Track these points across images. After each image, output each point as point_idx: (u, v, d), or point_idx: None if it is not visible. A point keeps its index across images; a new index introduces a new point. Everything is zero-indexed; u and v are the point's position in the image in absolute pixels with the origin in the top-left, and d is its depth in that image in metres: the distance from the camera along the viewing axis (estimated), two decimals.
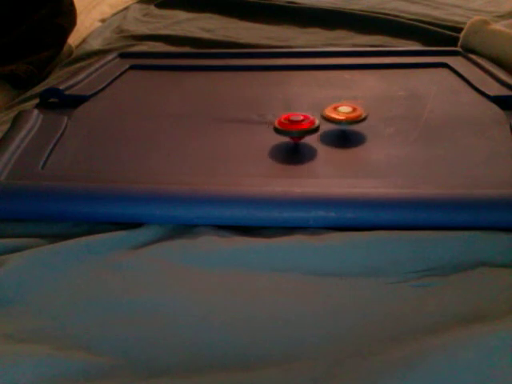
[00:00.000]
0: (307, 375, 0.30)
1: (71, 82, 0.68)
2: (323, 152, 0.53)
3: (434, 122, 0.58)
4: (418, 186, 0.45)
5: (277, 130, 0.52)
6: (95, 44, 0.93)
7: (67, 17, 0.92)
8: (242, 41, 0.91)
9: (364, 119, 0.55)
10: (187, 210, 0.43)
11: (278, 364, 0.31)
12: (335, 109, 0.55)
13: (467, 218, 0.42)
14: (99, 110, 0.64)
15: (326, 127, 0.55)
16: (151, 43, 0.93)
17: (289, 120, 0.52)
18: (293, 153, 0.53)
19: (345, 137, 0.55)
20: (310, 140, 0.54)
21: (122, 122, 0.61)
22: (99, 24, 1.06)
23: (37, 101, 0.67)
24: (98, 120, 0.61)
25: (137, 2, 1.19)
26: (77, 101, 0.65)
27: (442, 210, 0.42)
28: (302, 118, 0.52)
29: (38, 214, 0.45)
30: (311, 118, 0.53)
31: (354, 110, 0.55)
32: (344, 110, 0.55)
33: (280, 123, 0.52)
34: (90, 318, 0.35)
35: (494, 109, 0.61)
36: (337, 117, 0.54)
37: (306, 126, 0.52)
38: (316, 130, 0.52)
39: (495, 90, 0.64)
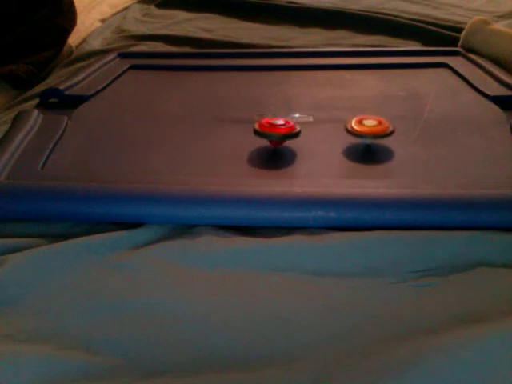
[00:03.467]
0: (307, 375, 0.30)
1: (71, 82, 0.68)
2: (329, 155, 0.52)
3: (434, 122, 0.58)
4: (417, 186, 0.45)
5: (256, 133, 0.52)
6: (95, 44, 0.93)
7: (67, 17, 0.92)
8: (242, 41, 0.91)
9: (391, 133, 0.51)
10: (187, 210, 0.43)
11: (278, 364, 0.31)
12: (360, 122, 0.52)
13: (467, 218, 0.42)
14: (99, 110, 0.64)
15: (350, 141, 0.53)
16: (151, 43, 0.93)
17: (269, 124, 0.52)
18: (293, 153, 0.53)
19: (370, 151, 0.52)
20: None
21: (121, 122, 0.61)
22: (99, 24, 1.06)
23: (37, 101, 0.67)
24: (98, 120, 0.61)
25: (137, 2, 1.19)
26: (77, 101, 0.65)
27: (442, 210, 0.42)
28: (282, 122, 0.52)
29: (38, 213, 0.45)
30: (291, 123, 0.52)
31: (380, 123, 0.52)
32: (369, 124, 0.52)
33: (260, 126, 0.52)
34: (90, 317, 0.35)
35: (494, 109, 0.61)
36: (361, 130, 0.51)
37: (284, 130, 0.51)
38: (295, 135, 0.51)
39: (495, 90, 0.64)
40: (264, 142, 0.53)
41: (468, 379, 0.29)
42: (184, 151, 0.54)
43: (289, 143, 0.53)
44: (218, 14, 1.09)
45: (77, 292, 0.37)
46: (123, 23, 1.05)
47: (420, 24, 0.95)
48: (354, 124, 0.52)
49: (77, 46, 0.96)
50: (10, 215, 0.45)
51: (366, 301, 0.36)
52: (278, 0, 1.10)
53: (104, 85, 0.70)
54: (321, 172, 0.50)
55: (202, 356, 0.32)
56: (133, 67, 0.77)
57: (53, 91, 0.66)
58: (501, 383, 0.29)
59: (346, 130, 0.52)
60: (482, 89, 0.65)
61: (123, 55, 0.82)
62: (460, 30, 0.85)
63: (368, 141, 0.52)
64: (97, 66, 0.76)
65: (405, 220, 0.42)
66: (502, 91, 0.64)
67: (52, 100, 0.66)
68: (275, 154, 0.53)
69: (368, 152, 0.52)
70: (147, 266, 0.39)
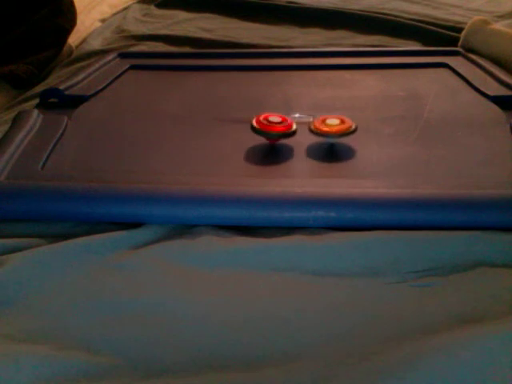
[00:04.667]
0: (307, 375, 0.30)
1: (71, 82, 0.68)
2: (322, 155, 0.53)
3: (434, 122, 0.58)
4: (417, 186, 0.45)
5: (254, 129, 0.52)
6: (95, 44, 0.93)
7: (67, 17, 0.92)
8: (242, 41, 0.91)
9: (353, 131, 0.52)
10: (187, 209, 0.43)
11: (278, 364, 0.31)
12: (323, 121, 0.53)
13: (467, 218, 0.42)
14: (99, 110, 0.64)
15: (314, 140, 0.54)
16: (151, 43, 0.93)
17: (267, 120, 0.52)
18: (293, 153, 0.53)
19: (333, 151, 0.53)
20: (327, 145, 0.53)
21: (121, 122, 0.61)
22: (99, 24, 1.06)
23: (37, 101, 0.67)
24: (98, 120, 0.61)
25: (137, 2, 1.19)
26: (77, 101, 0.65)
27: (442, 210, 0.42)
28: (280, 119, 0.52)
29: (38, 213, 0.45)
30: (289, 120, 0.53)
31: (343, 121, 0.53)
32: (332, 123, 0.52)
33: (258, 122, 0.52)
34: (90, 317, 0.35)
35: (494, 109, 0.61)
36: (325, 129, 0.52)
37: (282, 128, 0.52)
38: (293, 133, 0.52)
39: (495, 90, 0.65)
40: (264, 142, 0.53)
41: (468, 379, 0.29)
42: (184, 151, 0.54)
43: (289, 143, 0.53)
44: (218, 13, 1.09)
45: (77, 292, 0.37)
46: (123, 23, 1.05)
47: (420, 24, 0.95)
48: (317, 124, 0.53)
49: (77, 46, 0.96)
50: (10, 215, 0.45)
51: (366, 301, 0.36)
52: (278, 0, 1.10)
53: (104, 85, 0.70)
54: (321, 172, 0.50)
55: (202, 356, 0.32)
56: (133, 67, 0.77)
57: (53, 91, 0.66)
58: (501, 383, 0.29)
59: (310, 129, 0.53)
60: (482, 89, 0.65)
61: (123, 55, 0.82)
62: (460, 30, 0.85)
63: (332, 140, 0.53)
64: (97, 65, 0.76)
65: (405, 220, 0.42)
66: (502, 91, 0.64)
67: (52, 100, 0.66)
68: (275, 154, 0.53)
69: (331, 151, 0.53)
70: (147, 266, 0.39)
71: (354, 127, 0.52)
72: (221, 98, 0.67)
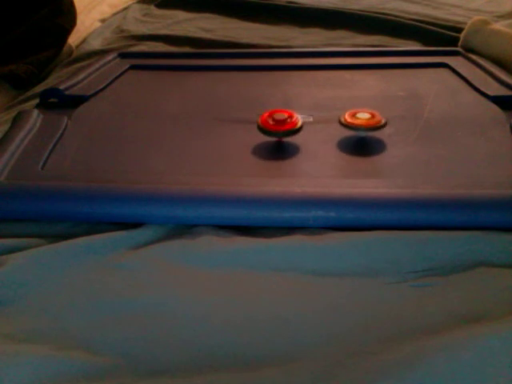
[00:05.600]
0: (307, 375, 0.30)
1: (71, 82, 0.68)
2: (329, 155, 0.53)
3: (434, 122, 0.58)
4: (417, 186, 0.45)
5: (260, 129, 0.53)
6: (95, 44, 0.93)
7: (67, 17, 0.92)
8: (242, 41, 0.91)
9: (383, 126, 0.53)
10: (187, 209, 0.43)
11: (278, 364, 0.31)
12: (353, 115, 0.54)
13: (467, 218, 0.42)
14: (99, 110, 0.64)
15: (344, 134, 0.55)
16: (151, 43, 0.93)
17: (273, 119, 0.52)
18: (293, 153, 0.53)
19: (364, 143, 0.54)
20: (327, 145, 0.54)
21: (122, 122, 0.61)
22: (99, 24, 1.06)
23: (37, 101, 0.67)
24: (98, 120, 0.61)
25: (137, 2, 1.19)
26: (77, 101, 0.65)
27: (442, 210, 0.42)
28: (286, 116, 0.52)
29: (38, 214, 0.45)
30: (295, 116, 0.53)
31: (373, 116, 0.54)
32: (362, 117, 0.54)
33: (263, 121, 0.53)
34: (90, 317, 0.35)
35: (494, 109, 0.61)
36: (355, 122, 0.53)
37: (289, 126, 0.52)
38: (299, 129, 0.52)
39: (495, 90, 0.64)
40: (264, 142, 0.53)
41: (468, 379, 0.29)
42: (184, 151, 0.54)
43: (289, 143, 0.53)
44: (218, 13, 1.09)
45: (77, 292, 0.37)
46: (123, 23, 1.05)
47: (420, 24, 0.95)
48: (347, 117, 0.54)
49: (77, 46, 0.95)
50: (9, 215, 0.45)
51: (366, 301, 0.36)
52: (278, 0, 1.10)
53: (104, 85, 0.70)
54: (321, 172, 0.50)
55: (202, 356, 0.32)
56: (133, 67, 0.77)
57: (53, 91, 0.66)
58: (501, 383, 0.29)
59: (340, 122, 0.54)
60: (482, 89, 0.65)
61: (123, 55, 0.82)
62: (460, 30, 0.85)
63: (362, 133, 0.54)
64: (97, 65, 0.75)
65: (405, 220, 0.42)
66: (502, 91, 0.64)
67: (52, 100, 0.66)
68: (275, 154, 0.53)
69: (362, 145, 0.53)
70: (147, 266, 0.39)
71: (383, 122, 0.53)
72: (221, 98, 0.67)
